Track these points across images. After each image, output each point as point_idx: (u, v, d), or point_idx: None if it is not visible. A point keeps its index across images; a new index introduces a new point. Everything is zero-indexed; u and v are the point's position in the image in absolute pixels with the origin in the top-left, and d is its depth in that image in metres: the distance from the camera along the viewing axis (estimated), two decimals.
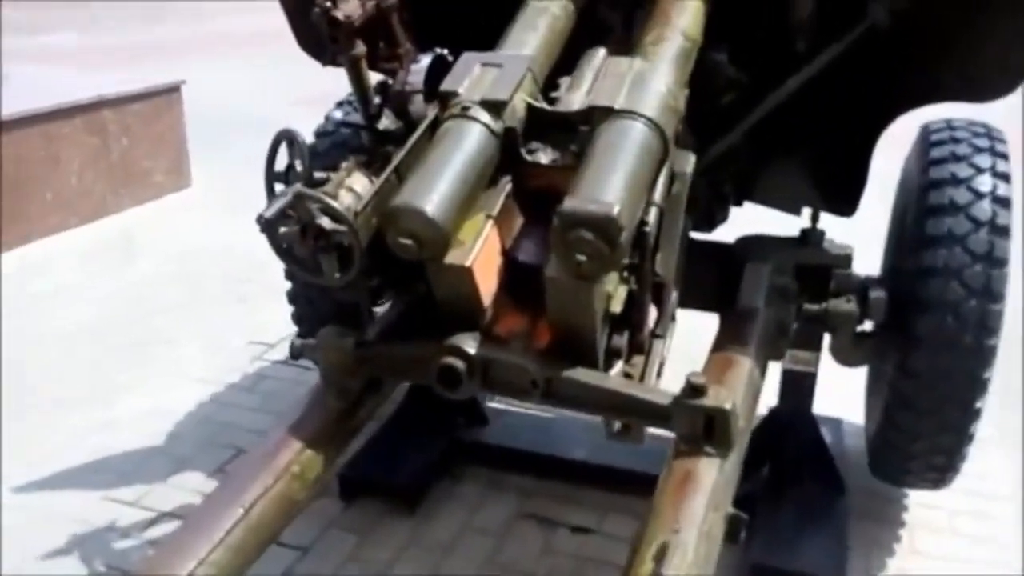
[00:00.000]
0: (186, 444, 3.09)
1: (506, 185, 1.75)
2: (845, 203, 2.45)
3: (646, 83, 1.69)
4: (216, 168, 6.49)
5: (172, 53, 11.49)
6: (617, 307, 1.66)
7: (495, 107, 1.70)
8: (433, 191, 1.54)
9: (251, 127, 7.95)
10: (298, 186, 1.69)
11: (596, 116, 1.65)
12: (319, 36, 1.90)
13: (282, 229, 1.67)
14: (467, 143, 1.65)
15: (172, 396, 3.39)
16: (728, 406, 1.53)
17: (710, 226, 2.48)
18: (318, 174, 1.91)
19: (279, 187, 1.97)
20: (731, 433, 1.55)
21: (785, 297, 2.20)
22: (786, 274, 2.23)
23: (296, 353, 1.88)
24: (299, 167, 1.92)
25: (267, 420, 3.10)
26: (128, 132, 5.68)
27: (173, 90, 6.03)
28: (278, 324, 3.87)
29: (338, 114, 2.70)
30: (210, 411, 3.29)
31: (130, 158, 5.71)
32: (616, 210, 1.42)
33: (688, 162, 1.81)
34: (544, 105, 1.82)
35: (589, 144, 1.63)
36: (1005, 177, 2.18)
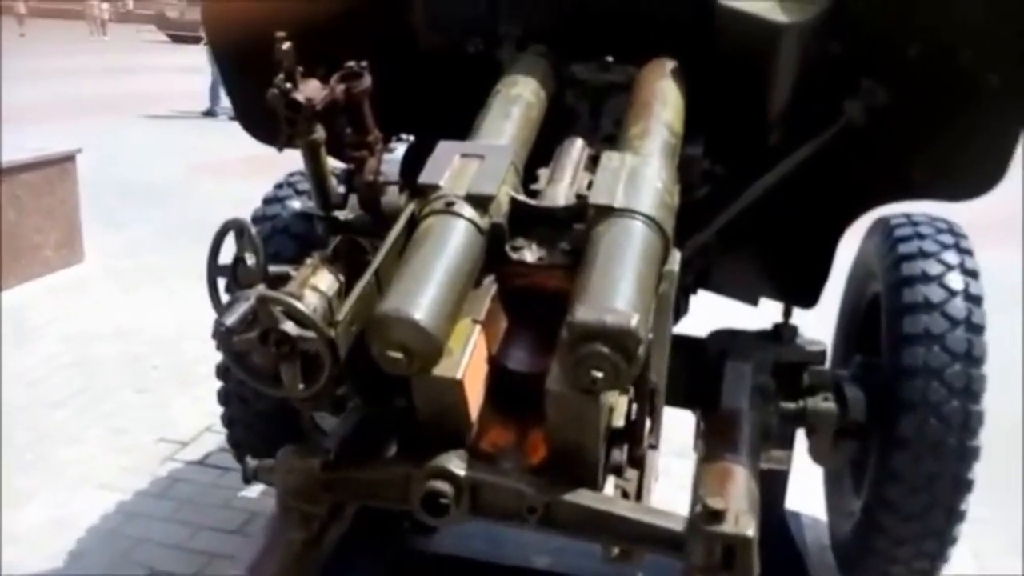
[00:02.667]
0: (93, 563, 2.71)
1: (491, 286, 1.61)
2: (806, 296, 2.43)
3: (642, 179, 1.60)
4: (111, 241, 6.08)
5: (54, 115, 10.95)
6: (619, 420, 1.53)
7: (481, 202, 1.57)
8: (422, 296, 1.38)
9: (148, 195, 7.65)
10: (260, 287, 1.49)
11: (594, 214, 1.54)
12: (270, 118, 1.73)
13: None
14: (453, 241, 1.51)
15: (75, 506, 3.01)
16: (750, 533, 1.41)
17: (675, 320, 2.40)
18: (274, 268, 1.71)
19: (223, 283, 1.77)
20: (751, 561, 1.42)
21: (765, 397, 2.12)
22: (766, 372, 2.16)
23: (250, 476, 1.64)
24: (250, 261, 1.72)
25: (183, 532, 2.77)
26: (16, 204, 5.24)
27: (67, 159, 5.63)
28: (189, 418, 3.55)
29: (296, 202, 2.46)
30: (117, 523, 2.92)
31: (18, 232, 5.25)
32: (635, 322, 1.30)
33: (675, 260, 1.71)
34: (528, 199, 1.70)
35: (588, 245, 1.51)
36: (974, 275, 2.20)
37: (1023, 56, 1.74)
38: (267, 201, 2.54)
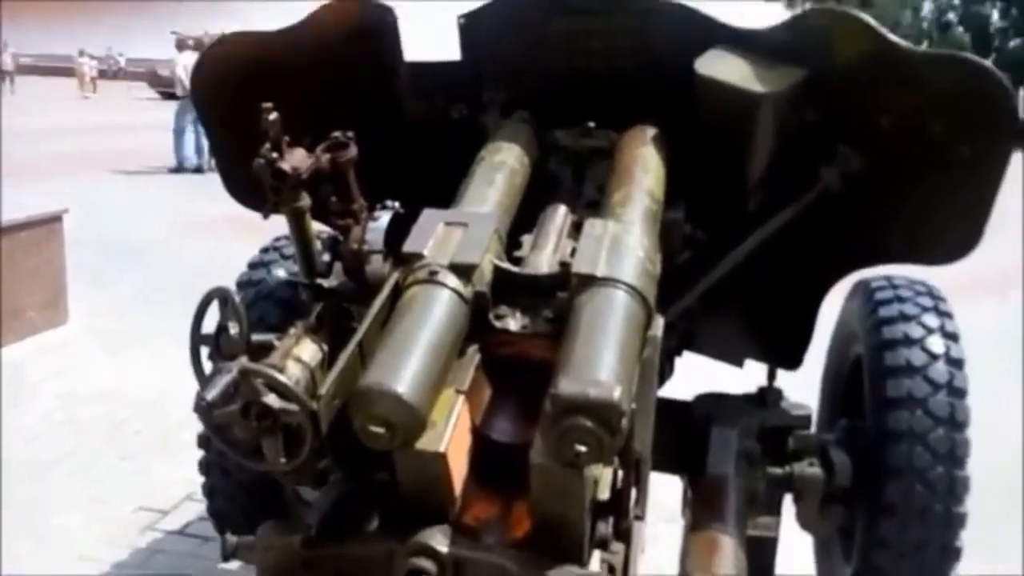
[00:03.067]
0: None
1: (475, 355, 1.60)
2: (790, 358, 2.44)
3: (624, 248, 1.62)
4: (94, 302, 6.04)
5: (39, 173, 10.98)
6: (604, 492, 1.52)
7: (465, 271, 1.58)
8: (405, 369, 1.38)
9: (131, 254, 7.64)
10: (243, 360, 1.49)
11: (577, 284, 1.55)
12: (255, 184, 1.74)
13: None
14: (437, 311, 1.51)
15: None
16: None
17: (660, 384, 2.40)
18: (257, 337, 1.71)
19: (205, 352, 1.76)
20: None
21: (752, 462, 2.12)
22: (752, 437, 2.15)
23: (229, 553, 1.61)
24: (233, 331, 1.71)
25: None
26: (2, 264, 5.21)
27: (54, 219, 5.63)
28: (170, 486, 3.48)
29: (280, 269, 2.46)
30: None
31: (2, 293, 5.20)
32: (617, 394, 1.30)
33: (659, 326, 1.72)
34: (511, 267, 1.71)
35: (571, 314, 1.52)
36: (955, 337, 2.21)
37: (992, 129, 1.78)
38: (252, 266, 2.54)
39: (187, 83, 11.76)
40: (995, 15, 29.25)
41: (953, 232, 1.95)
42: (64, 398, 4.41)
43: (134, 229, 8.43)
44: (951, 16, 29.81)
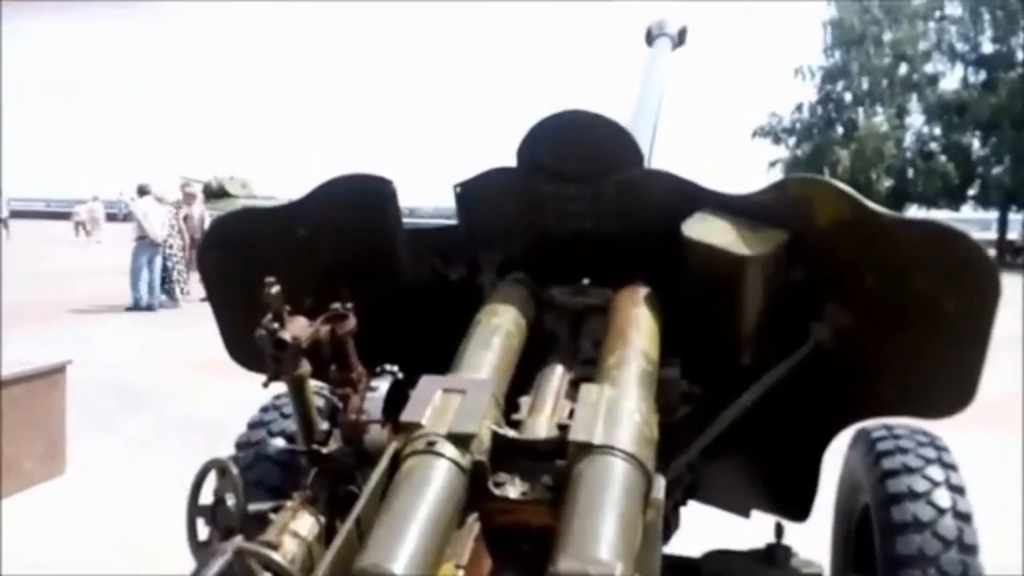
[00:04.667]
0: None
1: (474, 525, 1.59)
2: (796, 508, 2.40)
3: (620, 413, 1.63)
4: (93, 450, 5.96)
5: (44, 317, 11.12)
6: None
7: (463, 440, 1.59)
8: (403, 548, 1.37)
9: (135, 400, 7.63)
10: (237, 539, 1.47)
11: (574, 452, 1.55)
12: (257, 351, 1.78)
13: None
14: (435, 484, 1.51)
15: None
16: None
17: (667, 538, 2.35)
18: (254, 507, 1.70)
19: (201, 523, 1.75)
20: None
21: None
22: None
23: None
24: (231, 503, 1.70)
25: None
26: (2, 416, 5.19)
27: (57, 370, 5.65)
28: None
29: (279, 440, 2.45)
30: None
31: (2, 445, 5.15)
32: (619, 572, 1.28)
33: (660, 487, 1.71)
34: (509, 432, 1.72)
35: (570, 485, 1.52)
36: (961, 491, 2.18)
37: (974, 286, 1.83)
38: (252, 425, 2.54)
39: (146, 227, 13.24)
40: (976, 144, 30.33)
41: (946, 386, 1.96)
42: (52, 562, 4.28)
43: (142, 373, 8.44)
44: (933, 146, 30.87)
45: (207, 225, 16.40)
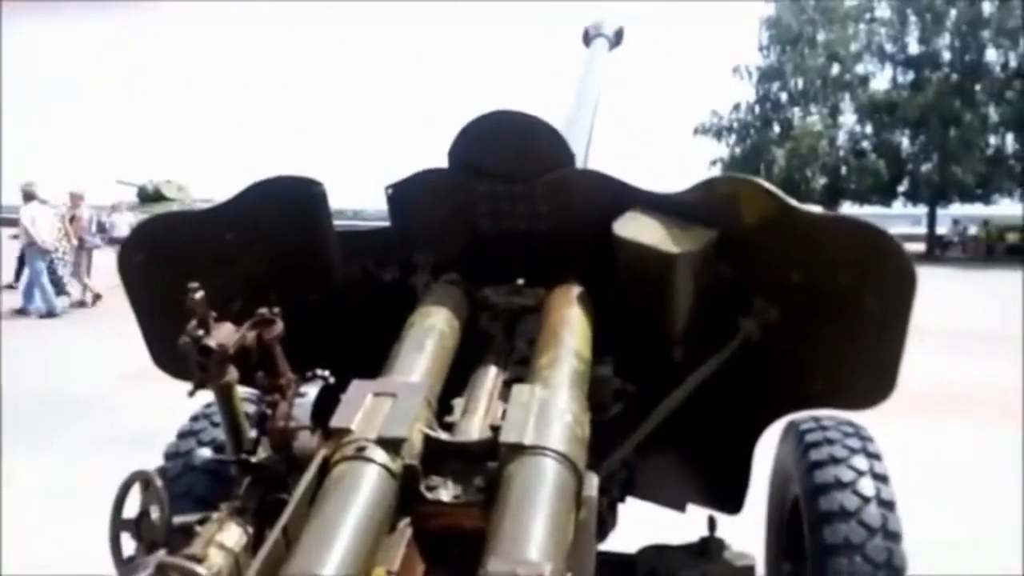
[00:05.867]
0: None
1: (406, 530, 1.58)
2: (730, 501, 2.45)
3: (551, 413, 1.64)
4: (27, 467, 5.74)
5: None
6: None
7: (393, 445, 1.57)
8: (331, 556, 1.35)
9: (69, 407, 7.38)
10: (160, 554, 1.44)
11: (505, 454, 1.55)
12: (182, 359, 1.74)
13: None
14: (364, 489, 1.50)
15: None
16: None
17: (603, 535, 2.37)
18: (178, 519, 1.65)
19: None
20: None
21: None
22: None
23: None
24: (155, 516, 1.66)
25: None
26: None
27: None
28: None
29: (206, 450, 2.39)
30: None
31: None
32: (548, 573, 1.29)
33: (593, 485, 1.72)
34: (442, 434, 1.72)
35: (500, 486, 1.52)
36: (885, 479, 2.25)
37: (893, 280, 1.89)
38: (181, 435, 2.48)
39: (32, 232, 12.79)
40: (905, 142, 31.34)
41: (869, 379, 2.02)
42: None
43: (74, 380, 8.17)
44: (865, 144, 31.80)
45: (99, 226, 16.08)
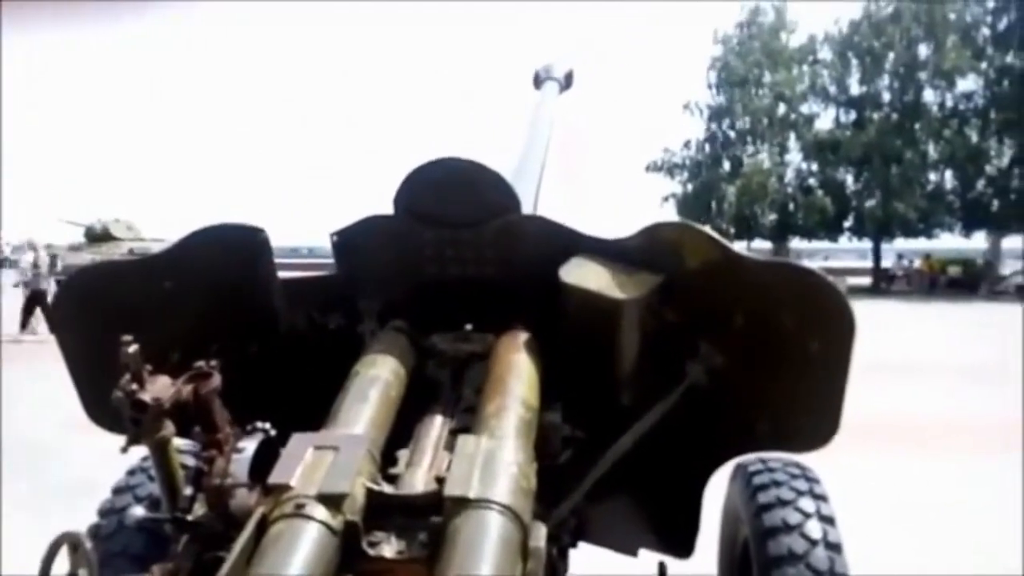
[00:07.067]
0: None
1: None
2: (680, 545, 2.43)
3: (497, 466, 1.62)
4: None
5: None
6: None
7: (334, 501, 1.53)
8: None
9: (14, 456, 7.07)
10: None
11: (449, 507, 1.53)
12: (117, 415, 1.68)
13: None
14: (303, 547, 1.46)
15: None
16: None
17: None
18: None
19: None
20: None
21: None
22: None
23: None
24: None
25: None
26: None
27: None
28: None
29: (139, 509, 2.29)
30: None
31: None
32: None
33: (541, 535, 1.69)
34: (385, 487, 1.68)
35: (445, 540, 1.49)
36: (831, 521, 2.26)
37: (833, 324, 1.91)
38: (117, 491, 2.39)
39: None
40: (850, 179, 32.29)
41: (812, 422, 2.04)
42: None
43: (19, 428, 7.85)
44: (812, 181, 32.67)
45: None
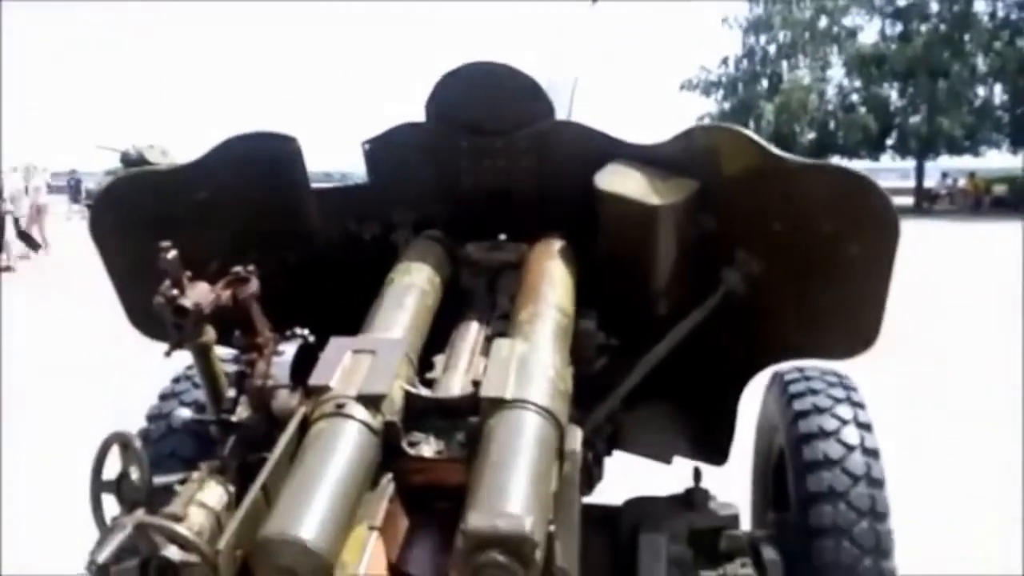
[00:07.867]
0: None
1: (388, 486, 1.57)
2: (716, 452, 2.45)
3: (532, 368, 1.62)
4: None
5: None
6: None
7: (373, 401, 1.56)
8: (310, 513, 1.34)
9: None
10: (139, 513, 1.42)
11: (486, 408, 1.54)
12: (159, 319, 1.71)
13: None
14: (344, 446, 1.48)
15: None
16: None
17: (589, 488, 2.38)
18: (159, 479, 1.64)
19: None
20: None
21: (683, 569, 2.09)
22: (681, 542, 2.13)
23: None
24: (135, 477, 1.65)
25: None
26: None
27: None
28: None
29: (185, 410, 2.34)
30: None
31: None
32: (529, 525, 1.28)
33: (576, 439, 1.71)
34: (423, 391, 1.70)
35: (481, 440, 1.51)
36: (868, 428, 2.26)
37: (875, 229, 1.87)
38: (163, 397, 2.46)
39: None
40: (894, 95, 31.27)
41: (852, 328, 2.01)
42: None
43: None
44: (854, 98, 31.69)
45: None
